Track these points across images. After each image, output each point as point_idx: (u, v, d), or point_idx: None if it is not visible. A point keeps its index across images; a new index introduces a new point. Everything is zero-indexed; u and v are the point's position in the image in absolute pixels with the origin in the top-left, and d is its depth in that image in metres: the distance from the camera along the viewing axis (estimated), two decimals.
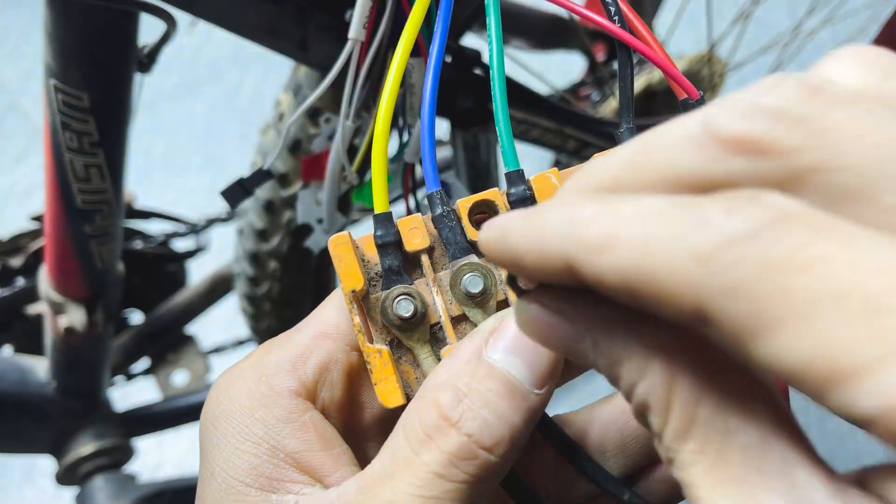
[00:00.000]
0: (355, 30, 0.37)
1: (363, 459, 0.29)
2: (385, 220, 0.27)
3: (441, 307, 0.27)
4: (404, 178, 0.46)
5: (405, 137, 0.45)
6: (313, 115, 0.65)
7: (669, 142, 0.18)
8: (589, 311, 0.20)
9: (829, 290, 0.14)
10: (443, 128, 0.60)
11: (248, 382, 0.26)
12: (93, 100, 0.51)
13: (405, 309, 0.26)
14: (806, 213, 0.15)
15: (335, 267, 0.26)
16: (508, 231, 0.19)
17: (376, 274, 0.27)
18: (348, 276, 0.26)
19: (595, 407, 0.28)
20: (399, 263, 0.27)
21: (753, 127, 0.17)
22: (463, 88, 0.55)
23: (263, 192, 0.74)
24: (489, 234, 0.20)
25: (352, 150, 0.45)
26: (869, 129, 0.17)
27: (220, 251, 1.03)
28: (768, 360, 0.15)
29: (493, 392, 0.23)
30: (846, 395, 0.14)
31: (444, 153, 0.75)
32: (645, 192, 0.18)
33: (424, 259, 0.27)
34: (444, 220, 0.27)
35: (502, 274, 0.27)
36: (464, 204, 0.27)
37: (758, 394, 0.18)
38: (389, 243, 0.27)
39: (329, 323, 0.27)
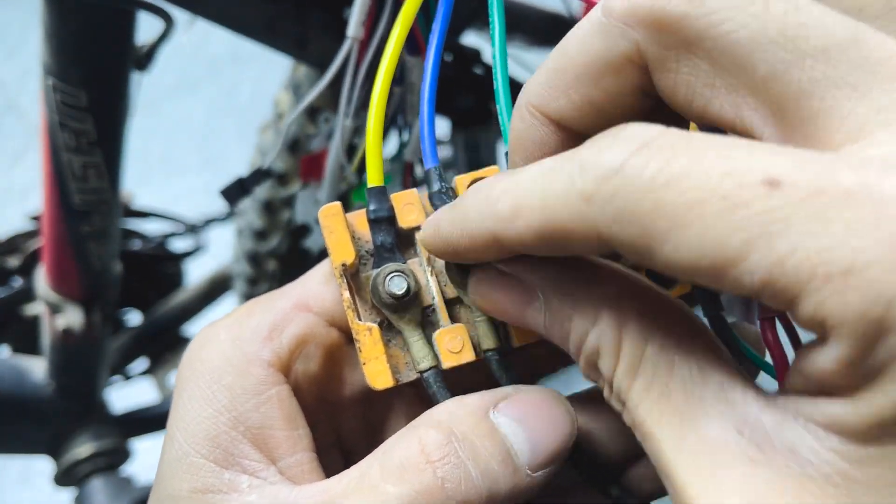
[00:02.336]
0: (353, 28, 0.37)
1: (338, 434, 0.29)
2: (379, 195, 0.26)
3: (435, 288, 0.26)
4: (404, 178, 0.46)
5: (405, 137, 0.45)
6: (312, 114, 0.64)
7: (580, 34, 0.20)
8: (539, 273, 0.22)
9: (693, 199, 0.16)
10: (443, 128, 0.59)
11: (223, 345, 0.25)
12: (91, 99, 0.51)
13: (398, 286, 0.25)
14: (662, 136, 0.17)
15: (325, 239, 0.25)
16: (438, 224, 0.22)
17: (367, 252, 0.26)
18: (339, 248, 0.25)
19: (582, 399, 0.28)
20: (392, 241, 0.26)
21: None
22: (463, 87, 0.54)
23: (262, 191, 0.74)
24: (424, 231, 0.23)
25: (351, 150, 0.45)
26: (746, 3, 0.18)
27: (219, 251, 1.03)
28: (668, 266, 0.17)
29: (486, 450, 0.22)
30: (733, 279, 0.16)
31: (444, 153, 0.75)
32: (566, 93, 0.21)
33: (419, 237, 0.26)
34: (441, 197, 0.26)
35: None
36: (462, 180, 0.26)
37: (695, 333, 0.20)
38: (383, 219, 0.26)
39: (311, 294, 0.27)
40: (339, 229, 0.25)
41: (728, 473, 0.17)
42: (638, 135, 0.17)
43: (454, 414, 0.23)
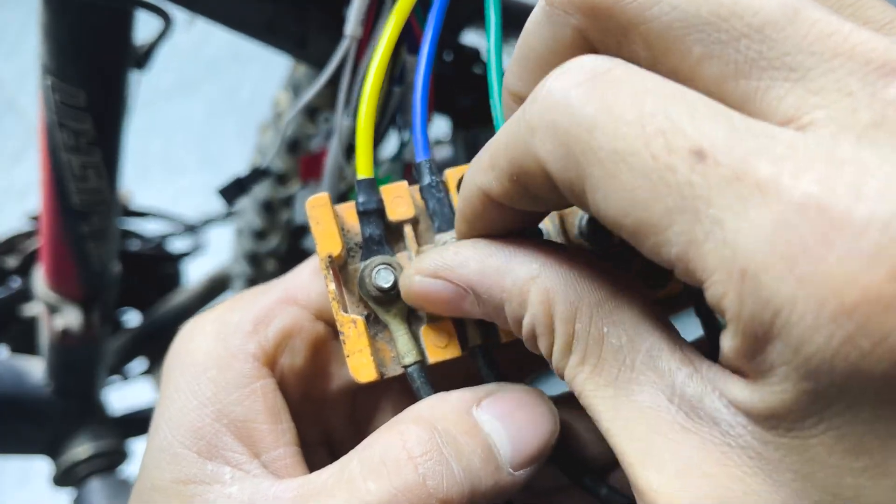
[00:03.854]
0: (352, 27, 0.37)
1: (325, 430, 0.29)
2: (368, 187, 0.26)
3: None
4: (404, 177, 0.46)
5: (405, 136, 0.45)
6: (312, 114, 0.64)
7: (532, 22, 0.20)
8: (465, 270, 0.22)
9: (625, 148, 0.16)
10: (444, 127, 0.59)
11: (208, 338, 0.25)
12: (89, 98, 0.51)
13: (384, 279, 0.25)
14: (612, 70, 0.17)
15: (312, 230, 0.25)
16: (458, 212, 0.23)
17: (356, 244, 0.26)
18: (325, 239, 0.25)
19: (568, 398, 0.27)
20: (380, 233, 0.25)
21: None
22: (463, 87, 0.54)
23: (262, 191, 0.74)
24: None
25: (351, 150, 0.45)
26: None
27: (218, 251, 1.02)
28: (599, 216, 0.17)
29: (468, 447, 0.22)
30: (652, 246, 0.16)
31: (444, 152, 0.75)
32: (533, 78, 0.20)
33: (408, 230, 0.26)
34: (431, 191, 0.25)
35: None
36: (453, 174, 0.26)
37: (624, 299, 0.20)
38: (371, 211, 0.25)
39: (299, 288, 0.27)
40: (325, 220, 0.25)
41: (661, 440, 0.17)
42: (588, 66, 0.17)
43: (437, 410, 0.23)
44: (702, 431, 0.17)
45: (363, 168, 0.25)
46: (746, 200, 0.15)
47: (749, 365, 0.16)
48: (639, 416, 0.18)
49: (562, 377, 0.20)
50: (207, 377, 0.24)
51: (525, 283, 0.20)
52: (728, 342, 0.16)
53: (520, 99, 0.21)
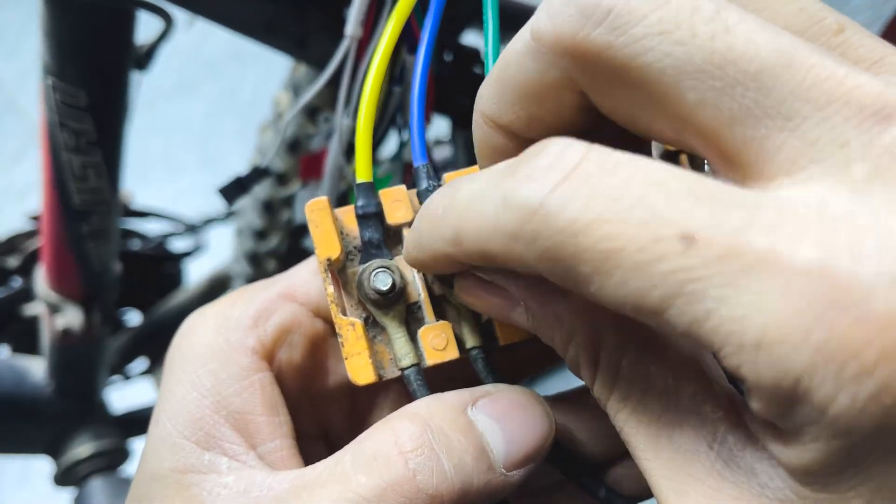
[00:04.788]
0: (352, 27, 0.37)
1: (323, 424, 0.29)
2: (367, 190, 0.26)
3: (421, 285, 0.26)
4: (404, 178, 0.46)
5: (405, 137, 0.45)
6: (312, 114, 0.64)
7: (516, 53, 0.19)
8: (517, 283, 0.21)
9: (612, 248, 0.16)
10: (444, 127, 0.59)
11: (209, 332, 0.26)
12: (90, 98, 0.51)
13: (383, 282, 0.25)
14: (583, 164, 0.16)
15: (311, 233, 0.25)
16: (407, 246, 0.22)
17: (355, 248, 0.26)
18: (324, 242, 0.25)
19: (567, 396, 0.28)
20: (379, 237, 0.26)
21: (564, 27, 0.18)
22: (463, 87, 0.54)
23: (262, 191, 0.74)
24: (405, 253, 0.23)
25: (351, 149, 0.45)
26: (673, 24, 0.17)
27: (219, 251, 1.03)
28: (598, 301, 0.17)
29: (461, 445, 0.22)
30: (659, 326, 0.16)
31: (445, 152, 0.75)
32: (512, 108, 0.20)
33: (406, 234, 0.26)
34: (428, 195, 0.25)
35: None
36: (451, 178, 0.26)
37: (669, 342, 0.19)
38: (370, 214, 0.26)
39: (299, 285, 0.27)
40: (325, 223, 0.25)
41: (698, 485, 0.17)
42: (557, 163, 0.17)
43: (432, 407, 0.23)
44: (739, 481, 0.17)
45: (362, 172, 0.26)
46: (747, 275, 0.15)
47: (776, 429, 0.16)
48: (678, 459, 0.18)
49: (603, 408, 0.20)
50: (207, 370, 0.25)
51: (576, 312, 0.20)
52: (754, 405, 0.16)
53: (493, 123, 0.21)
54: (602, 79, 0.18)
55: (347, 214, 0.26)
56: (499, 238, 0.18)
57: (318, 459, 0.23)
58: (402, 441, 0.22)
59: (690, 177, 0.16)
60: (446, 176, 0.27)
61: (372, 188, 0.26)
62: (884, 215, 0.14)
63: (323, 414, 0.29)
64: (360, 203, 0.26)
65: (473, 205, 0.18)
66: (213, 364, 0.25)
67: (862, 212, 0.15)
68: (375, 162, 0.48)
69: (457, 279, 0.24)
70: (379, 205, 0.26)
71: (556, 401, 0.26)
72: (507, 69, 0.20)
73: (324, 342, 0.28)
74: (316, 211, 0.25)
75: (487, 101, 0.21)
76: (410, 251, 0.22)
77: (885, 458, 0.15)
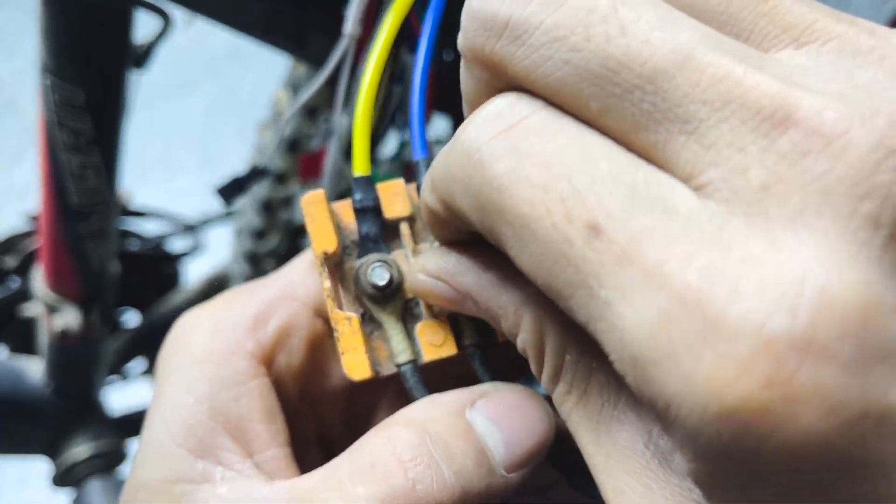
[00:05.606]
0: (350, 26, 0.37)
1: (319, 428, 0.29)
2: (365, 184, 0.25)
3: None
4: (404, 177, 0.46)
5: (406, 136, 0.44)
6: (311, 113, 0.64)
7: (461, 66, 0.19)
8: (463, 279, 0.22)
9: (529, 214, 0.16)
10: (444, 127, 0.59)
11: (205, 334, 0.25)
12: (89, 97, 0.51)
13: (380, 277, 0.24)
14: (525, 120, 0.16)
15: (307, 227, 0.25)
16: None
17: (352, 242, 0.26)
18: (320, 236, 0.24)
19: None
20: (377, 231, 0.25)
21: (473, 41, 0.18)
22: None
23: (261, 191, 0.73)
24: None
25: (350, 149, 0.45)
26: (568, 29, 0.16)
27: (218, 251, 1.02)
28: (520, 268, 0.17)
29: (460, 450, 0.22)
30: (564, 308, 0.16)
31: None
32: (468, 109, 0.20)
33: (404, 228, 0.26)
34: None
35: None
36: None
37: None
38: (368, 208, 0.25)
39: (297, 283, 0.26)
40: (321, 217, 0.25)
41: (634, 484, 0.17)
42: (505, 113, 0.17)
43: (429, 412, 0.23)
44: (671, 483, 0.17)
45: (360, 165, 0.25)
46: (634, 286, 0.14)
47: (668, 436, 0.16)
48: (616, 455, 0.18)
49: (551, 398, 0.20)
50: (204, 374, 0.24)
51: (520, 305, 0.20)
52: (650, 412, 0.16)
53: None
54: (512, 88, 0.18)
55: (345, 208, 0.26)
56: (447, 181, 0.18)
57: (314, 463, 0.23)
58: (400, 450, 0.21)
59: (624, 161, 0.16)
60: None
61: (370, 182, 0.26)
62: (775, 247, 0.14)
63: (319, 416, 0.29)
64: (357, 197, 0.25)
65: (442, 152, 0.19)
66: (209, 368, 0.24)
67: (756, 239, 0.14)
68: (376, 162, 0.48)
69: (408, 272, 0.24)
70: (377, 199, 0.26)
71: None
72: (461, 78, 0.20)
73: (323, 343, 0.27)
74: (312, 204, 0.25)
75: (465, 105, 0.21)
76: (423, 195, 0.22)
77: (762, 485, 0.14)
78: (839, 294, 0.13)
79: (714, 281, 0.14)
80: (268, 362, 0.25)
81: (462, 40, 0.18)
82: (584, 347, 0.19)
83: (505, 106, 0.17)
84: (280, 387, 0.26)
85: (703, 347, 0.14)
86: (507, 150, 0.16)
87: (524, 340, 0.20)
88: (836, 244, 0.14)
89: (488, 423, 0.23)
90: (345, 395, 0.29)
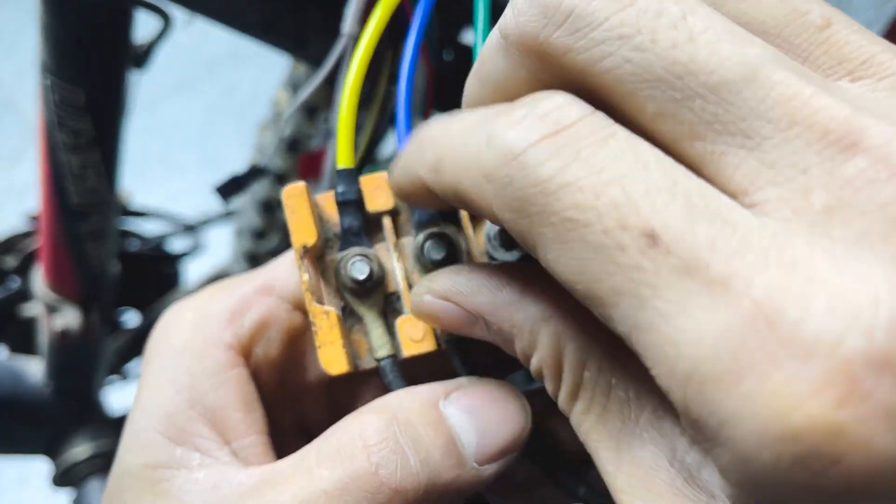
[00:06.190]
0: (349, 25, 0.37)
1: (301, 418, 0.29)
2: (348, 177, 0.25)
3: (400, 275, 0.25)
4: None
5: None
6: (311, 113, 0.64)
7: (490, 50, 0.19)
8: (477, 298, 0.21)
9: (578, 219, 0.15)
10: None
11: (186, 326, 0.26)
12: (88, 97, 0.51)
13: (360, 271, 0.24)
14: (577, 124, 0.16)
15: (287, 219, 0.25)
16: (395, 165, 0.22)
17: (334, 235, 0.26)
18: (300, 229, 0.24)
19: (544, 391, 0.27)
20: (359, 224, 0.25)
21: (526, 28, 0.17)
22: (463, 86, 0.54)
23: (261, 191, 0.73)
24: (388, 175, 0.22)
25: None
26: (634, 28, 0.16)
27: (218, 251, 1.02)
28: (546, 267, 0.16)
29: (429, 439, 0.22)
30: (603, 317, 0.16)
31: None
32: (495, 98, 0.19)
33: (387, 222, 0.26)
34: None
35: (471, 247, 0.26)
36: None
37: (632, 354, 0.18)
38: (350, 202, 0.25)
39: (277, 278, 0.27)
40: (301, 210, 0.25)
41: (660, 501, 0.17)
42: (553, 115, 0.16)
43: (401, 401, 0.23)
44: (700, 500, 0.16)
45: (343, 158, 0.25)
46: (695, 299, 0.14)
47: (709, 457, 0.16)
48: (638, 474, 0.18)
49: (568, 417, 0.20)
50: (184, 365, 0.25)
51: (536, 322, 0.20)
52: (688, 432, 0.16)
53: None
54: (566, 82, 0.17)
55: (328, 201, 0.26)
56: (474, 175, 0.17)
57: (294, 451, 0.23)
58: (367, 434, 0.21)
59: (677, 171, 0.15)
60: None
61: (353, 175, 0.25)
62: (841, 268, 0.14)
63: (301, 407, 0.29)
64: (340, 189, 0.25)
65: (461, 136, 0.18)
66: (188, 359, 0.25)
67: (821, 257, 0.14)
68: (375, 161, 0.48)
69: (412, 296, 0.23)
70: (359, 192, 0.25)
71: (537, 395, 0.26)
72: (483, 65, 0.19)
73: (302, 336, 0.28)
74: (293, 197, 0.25)
75: (469, 96, 0.21)
76: (393, 172, 0.21)
77: None
78: None
79: (785, 296, 0.13)
80: (246, 353, 0.26)
81: (513, 24, 0.17)
82: (603, 364, 0.19)
83: (553, 108, 0.16)
84: (259, 377, 0.26)
85: (772, 366, 0.13)
86: (555, 153, 0.16)
87: (540, 359, 0.20)
88: None
89: (461, 413, 0.23)
90: (325, 386, 0.29)
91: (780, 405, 0.13)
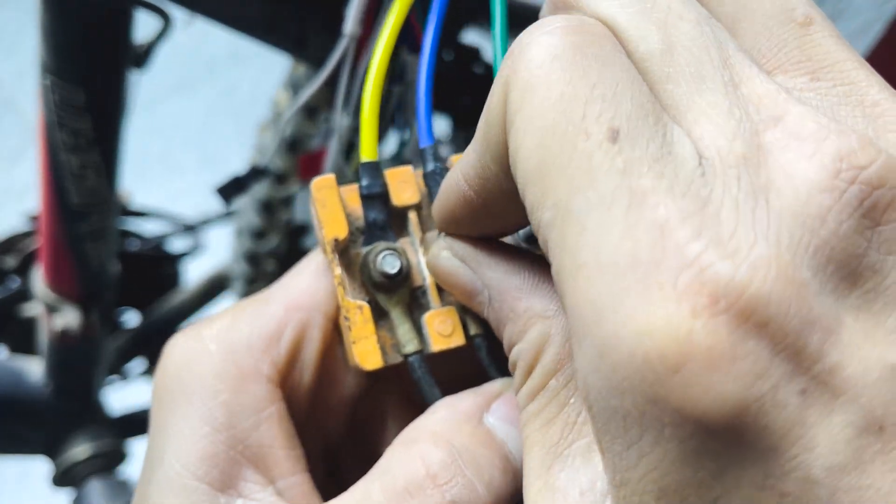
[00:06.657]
0: (350, 25, 0.37)
1: (323, 439, 0.28)
2: (372, 170, 0.25)
3: (426, 269, 0.25)
4: None
5: (405, 136, 0.44)
6: (311, 113, 0.64)
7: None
8: (490, 271, 0.22)
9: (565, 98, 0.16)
10: (444, 127, 0.59)
11: (214, 359, 0.24)
12: (88, 97, 0.51)
13: (391, 265, 0.24)
14: (584, 43, 0.17)
15: (317, 213, 0.24)
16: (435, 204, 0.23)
17: (357, 228, 0.25)
18: (331, 222, 0.24)
19: None
20: (384, 218, 0.25)
21: None
22: (463, 86, 0.54)
23: (261, 191, 0.73)
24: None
25: (350, 149, 0.45)
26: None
27: (218, 251, 1.02)
28: (515, 142, 0.17)
29: (487, 461, 0.22)
30: (535, 202, 0.16)
31: (445, 152, 0.75)
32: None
33: (412, 216, 0.25)
34: (435, 177, 0.24)
35: None
36: (457, 159, 0.25)
37: None
38: (375, 195, 0.25)
39: (303, 291, 0.25)
40: (332, 202, 0.24)
41: None
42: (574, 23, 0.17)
43: (450, 424, 0.22)
44: None
45: (368, 151, 0.25)
46: (620, 200, 0.15)
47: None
48: (548, 493, 0.18)
49: (519, 412, 0.20)
50: (219, 402, 0.23)
51: (534, 316, 0.20)
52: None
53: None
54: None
55: (350, 194, 0.25)
56: (495, 106, 0.18)
57: (318, 477, 0.23)
58: (435, 471, 0.21)
59: (652, 100, 0.16)
60: (452, 157, 0.26)
61: (378, 168, 0.25)
62: (739, 213, 0.15)
63: (326, 429, 0.28)
64: (365, 183, 0.25)
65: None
66: (225, 395, 0.23)
67: (727, 204, 0.15)
68: None
69: (432, 248, 0.23)
70: (384, 185, 0.25)
71: None
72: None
73: (332, 352, 0.26)
74: (323, 189, 0.24)
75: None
76: (434, 209, 0.23)
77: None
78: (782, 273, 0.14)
79: (684, 222, 0.15)
80: (283, 384, 0.25)
81: None
82: (570, 381, 0.19)
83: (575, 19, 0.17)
84: (291, 405, 0.25)
85: (653, 269, 0.14)
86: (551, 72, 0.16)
87: (520, 351, 0.20)
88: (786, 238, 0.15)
89: (506, 425, 0.23)
90: (351, 402, 0.28)
91: (647, 305, 0.14)
